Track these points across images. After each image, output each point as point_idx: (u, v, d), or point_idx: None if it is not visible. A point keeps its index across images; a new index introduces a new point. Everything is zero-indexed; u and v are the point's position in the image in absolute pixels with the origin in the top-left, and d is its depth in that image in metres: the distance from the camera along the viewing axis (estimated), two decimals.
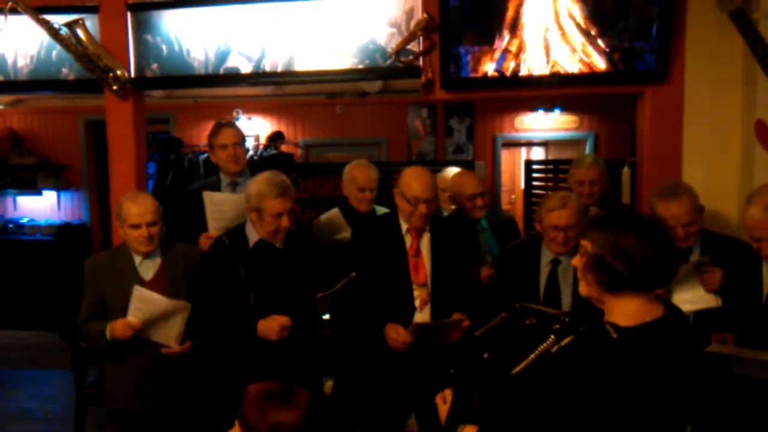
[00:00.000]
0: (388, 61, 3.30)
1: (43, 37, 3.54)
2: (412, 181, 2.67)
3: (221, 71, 3.48)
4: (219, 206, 2.99)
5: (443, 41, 3.21)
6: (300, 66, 3.41)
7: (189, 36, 3.48)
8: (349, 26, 3.34)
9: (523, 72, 3.20)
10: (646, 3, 3.04)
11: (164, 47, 3.51)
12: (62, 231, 6.96)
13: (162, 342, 2.62)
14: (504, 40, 3.18)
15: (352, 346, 2.86)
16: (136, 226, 2.63)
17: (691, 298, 2.47)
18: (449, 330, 2.59)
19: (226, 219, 2.96)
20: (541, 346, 1.62)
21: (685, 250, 2.59)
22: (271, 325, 2.55)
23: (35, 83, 3.70)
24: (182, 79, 3.56)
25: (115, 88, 3.49)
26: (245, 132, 3.60)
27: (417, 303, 2.67)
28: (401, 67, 3.28)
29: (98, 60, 3.40)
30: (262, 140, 7.03)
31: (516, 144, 8.34)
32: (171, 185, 6.23)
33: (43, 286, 6.61)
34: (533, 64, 3.18)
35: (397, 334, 2.56)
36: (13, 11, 3.34)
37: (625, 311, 1.54)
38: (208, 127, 3.25)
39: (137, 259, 2.70)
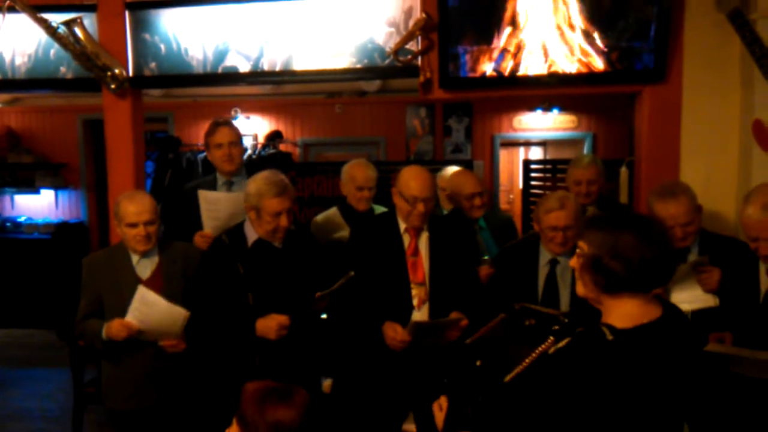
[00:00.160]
0: (387, 61, 3.30)
1: (41, 36, 3.54)
2: (411, 180, 2.67)
3: (219, 70, 3.48)
4: (214, 205, 2.99)
5: (442, 41, 3.21)
6: (298, 65, 3.41)
7: (187, 35, 3.48)
8: (347, 25, 3.34)
9: (521, 72, 3.20)
10: (645, 3, 3.04)
11: (162, 46, 3.51)
12: (60, 230, 6.95)
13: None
14: (502, 40, 3.18)
15: (350, 345, 2.86)
16: (133, 225, 2.63)
17: (688, 298, 2.47)
18: (447, 329, 2.59)
19: (221, 218, 2.95)
20: (539, 348, 1.61)
21: (683, 250, 2.59)
22: (270, 324, 2.55)
23: (33, 82, 3.70)
24: (180, 77, 3.56)
25: (113, 86, 3.48)
26: (244, 131, 3.60)
27: (415, 302, 2.67)
28: (400, 67, 3.29)
29: (96, 59, 3.40)
30: (261, 139, 7.02)
31: (514, 144, 8.35)
32: (169, 184, 6.21)
33: (41, 285, 6.61)
34: (531, 64, 3.18)
35: (395, 333, 2.56)
36: (11, 9, 3.34)
37: (623, 312, 1.52)
38: (207, 126, 3.25)
39: (134, 257, 2.70)
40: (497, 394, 1.57)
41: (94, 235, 7.38)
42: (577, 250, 1.60)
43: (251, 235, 2.68)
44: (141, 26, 3.52)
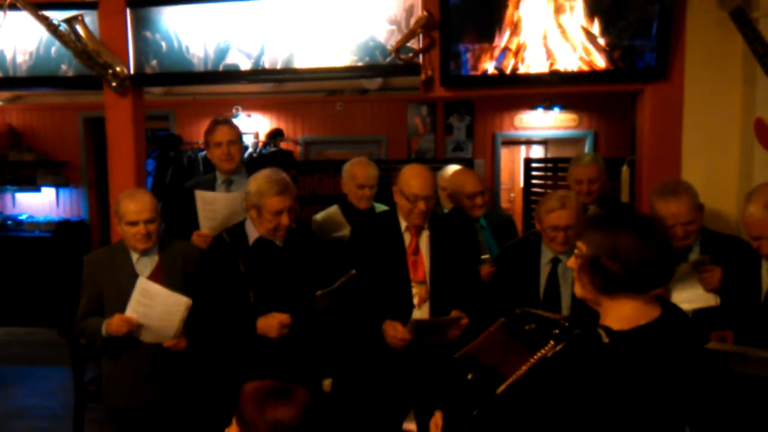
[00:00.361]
0: (388, 59, 3.30)
1: (42, 34, 3.54)
2: (412, 178, 2.67)
3: (221, 68, 3.47)
4: (211, 205, 2.98)
5: (443, 39, 3.20)
6: (299, 63, 3.40)
7: (188, 33, 3.48)
8: (348, 23, 3.34)
9: (522, 70, 3.19)
10: (647, 1, 3.04)
11: (163, 44, 3.51)
12: (61, 228, 6.96)
13: (158, 341, 2.61)
14: (504, 38, 3.18)
15: (350, 344, 2.86)
16: (133, 224, 2.63)
17: (690, 297, 2.46)
18: (448, 327, 2.59)
19: (218, 218, 2.95)
20: (538, 354, 1.57)
21: (684, 249, 2.59)
22: (271, 323, 2.55)
23: (34, 80, 3.70)
24: (181, 75, 3.55)
25: (114, 84, 3.48)
26: (244, 129, 3.60)
27: (415, 300, 2.67)
28: (401, 65, 3.28)
29: (97, 56, 3.40)
30: (262, 137, 7.02)
31: (515, 142, 8.34)
32: (170, 182, 6.21)
33: (42, 283, 6.61)
34: (533, 62, 3.18)
35: (395, 332, 2.56)
36: (12, 7, 3.33)
37: (621, 314, 1.51)
38: (208, 124, 3.25)
39: (135, 256, 2.70)
40: (492, 405, 1.54)
41: (95, 233, 7.39)
42: (576, 251, 1.58)
43: (252, 233, 2.67)
44: (142, 24, 3.51)
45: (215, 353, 2.73)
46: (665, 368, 1.47)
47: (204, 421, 2.74)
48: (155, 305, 2.53)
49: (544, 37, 3.15)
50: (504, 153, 7.81)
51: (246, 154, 6.24)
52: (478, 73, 3.22)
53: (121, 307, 2.55)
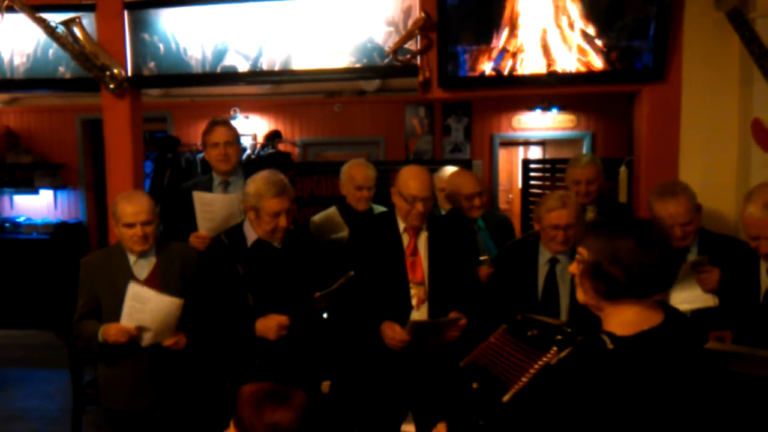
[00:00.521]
0: (386, 60, 3.30)
1: (39, 36, 3.53)
2: (410, 180, 2.67)
3: (218, 70, 3.47)
4: (209, 206, 2.98)
5: (441, 40, 3.21)
6: (297, 65, 3.40)
7: (186, 34, 3.48)
8: (346, 25, 3.34)
9: (520, 71, 3.20)
10: (644, 2, 3.04)
11: (161, 46, 3.51)
12: (59, 230, 6.94)
13: (157, 342, 2.60)
14: (501, 39, 3.18)
15: (349, 345, 2.85)
16: (130, 225, 2.62)
17: (688, 298, 2.46)
18: (446, 328, 2.59)
19: (216, 219, 2.95)
20: (540, 361, 1.57)
21: (682, 250, 2.59)
22: (270, 325, 2.55)
23: (32, 82, 3.69)
24: (179, 77, 3.55)
25: (111, 86, 3.48)
26: (242, 131, 3.59)
27: (414, 301, 2.67)
28: (399, 66, 3.28)
29: (95, 58, 3.39)
30: (260, 139, 7.01)
31: (513, 143, 8.34)
32: (168, 184, 6.20)
33: (40, 285, 6.60)
34: (531, 63, 3.18)
35: (393, 333, 2.55)
36: (10, 9, 3.33)
37: (623, 319, 1.50)
38: (205, 125, 3.25)
39: (132, 258, 2.69)
40: (499, 414, 1.52)
41: (93, 236, 7.37)
42: (577, 257, 1.58)
43: (251, 235, 2.67)
44: (140, 26, 3.51)
45: (214, 355, 2.73)
46: (670, 373, 1.47)
47: (202, 424, 2.73)
48: (149, 309, 2.52)
49: (542, 38, 3.16)
50: (502, 154, 7.82)
51: (244, 156, 6.24)
52: (476, 74, 3.23)
53: (119, 310, 2.55)
